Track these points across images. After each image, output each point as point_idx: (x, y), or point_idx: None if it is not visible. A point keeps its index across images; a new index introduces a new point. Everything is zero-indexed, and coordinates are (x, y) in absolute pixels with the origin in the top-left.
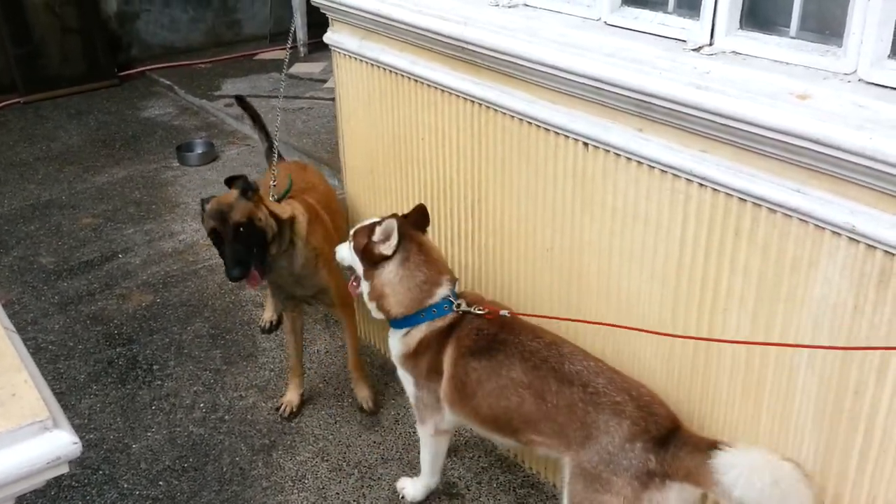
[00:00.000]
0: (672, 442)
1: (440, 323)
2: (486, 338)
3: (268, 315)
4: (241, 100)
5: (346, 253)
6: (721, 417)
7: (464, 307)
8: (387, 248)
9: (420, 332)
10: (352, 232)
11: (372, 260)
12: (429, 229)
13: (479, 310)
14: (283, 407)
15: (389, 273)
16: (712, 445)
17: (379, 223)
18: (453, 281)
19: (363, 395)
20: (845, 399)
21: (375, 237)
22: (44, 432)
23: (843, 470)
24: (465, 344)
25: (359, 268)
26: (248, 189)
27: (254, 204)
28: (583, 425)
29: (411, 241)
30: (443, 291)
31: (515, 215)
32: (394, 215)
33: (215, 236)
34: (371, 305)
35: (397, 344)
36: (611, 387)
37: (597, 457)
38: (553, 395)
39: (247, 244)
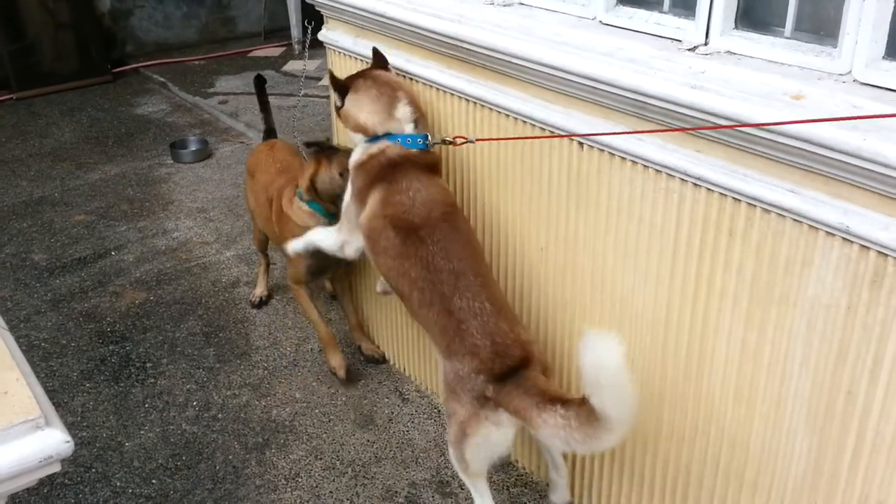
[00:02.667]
0: (511, 379)
1: (390, 153)
2: (410, 222)
3: (259, 290)
4: (259, 81)
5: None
6: (714, 419)
7: (435, 140)
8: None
9: (372, 151)
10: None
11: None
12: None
13: (447, 138)
14: (339, 371)
15: (350, 103)
16: (539, 392)
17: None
18: (413, 107)
19: (368, 346)
20: (838, 400)
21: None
22: (36, 431)
23: (835, 470)
24: (389, 206)
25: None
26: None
27: None
28: (448, 347)
29: (363, 77)
30: (404, 110)
31: (509, 214)
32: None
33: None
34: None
35: (357, 152)
36: (480, 329)
37: (452, 374)
38: (434, 312)
39: None
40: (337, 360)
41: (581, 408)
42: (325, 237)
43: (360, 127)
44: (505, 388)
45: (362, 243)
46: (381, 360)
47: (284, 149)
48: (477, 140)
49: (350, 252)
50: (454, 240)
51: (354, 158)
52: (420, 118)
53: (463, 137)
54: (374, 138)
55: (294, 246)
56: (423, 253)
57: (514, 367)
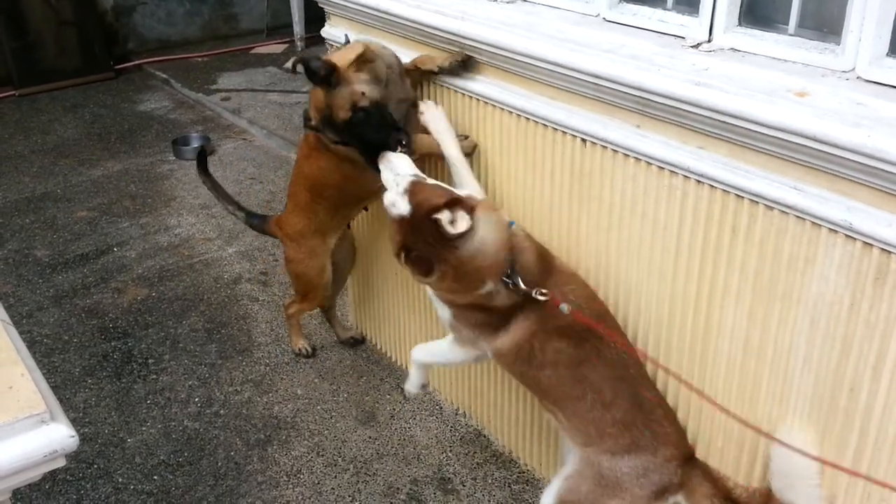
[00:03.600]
0: (689, 464)
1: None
2: (581, 331)
3: (302, 342)
4: (202, 167)
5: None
6: (716, 414)
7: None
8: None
9: None
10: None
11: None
12: None
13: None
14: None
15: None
16: (714, 480)
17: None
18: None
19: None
20: (840, 397)
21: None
22: (41, 425)
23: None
24: (550, 321)
25: None
26: None
27: None
28: (632, 442)
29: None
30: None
31: (513, 211)
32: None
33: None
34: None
35: None
36: (664, 416)
37: (628, 468)
38: (620, 411)
39: None
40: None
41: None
42: (444, 353)
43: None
44: (689, 470)
45: (491, 354)
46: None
47: None
48: (570, 311)
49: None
50: (620, 331)
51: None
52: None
53: (556, 300)
54: None
55: (410, 387)
56: (601, 353)
57: (693, 451)
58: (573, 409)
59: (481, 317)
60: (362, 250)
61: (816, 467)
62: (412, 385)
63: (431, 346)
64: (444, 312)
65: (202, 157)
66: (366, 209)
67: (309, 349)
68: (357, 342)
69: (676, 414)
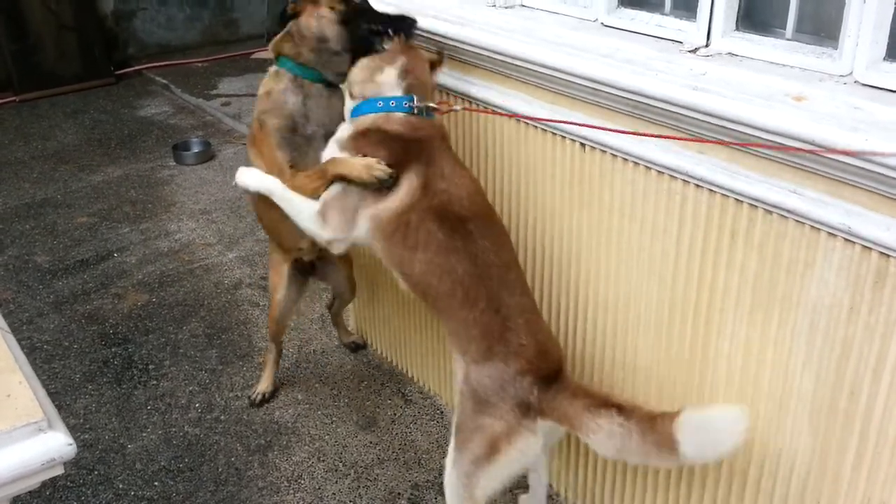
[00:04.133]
0: (555, 383)
1: (397, 124)
2: (457, 215)
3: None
4: None
5: None
6: None
7: (420, 105)
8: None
9: (369, 120)
10: None
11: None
12: None
13: (432, 104)
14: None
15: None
16: (586, 394)
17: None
18: (409, 74)
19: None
20: (840, 400)
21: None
22: (38, 433)
23: (838, 471)
24: (433, 197)
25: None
26: None
27: None
28: (488, 349)
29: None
30: (390, 72)
31: (512, 215)
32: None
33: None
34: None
35: (347, 127)
36: (525, 327)
37: (488, 379)
38: (479, 311)
39: None
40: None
41: (652, 423)
42: (303, 212)
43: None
44: (549, 392)
45: (361, 239)
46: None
47: None
48: (463, 109)
49: (338, 250)
50: (499, 231)
51: (347, 132)
52: (416, 86)
53: (447, 104)
54: (362, 104)
55: (245, 178)
56: (472, 247)
57: (557, 370)
58: (447, 308)
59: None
60: (362, 252)
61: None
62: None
63: (296, 199)
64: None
65: None
66: None
67: (266, 395)
68: (358, 347)
69: (547, 330)
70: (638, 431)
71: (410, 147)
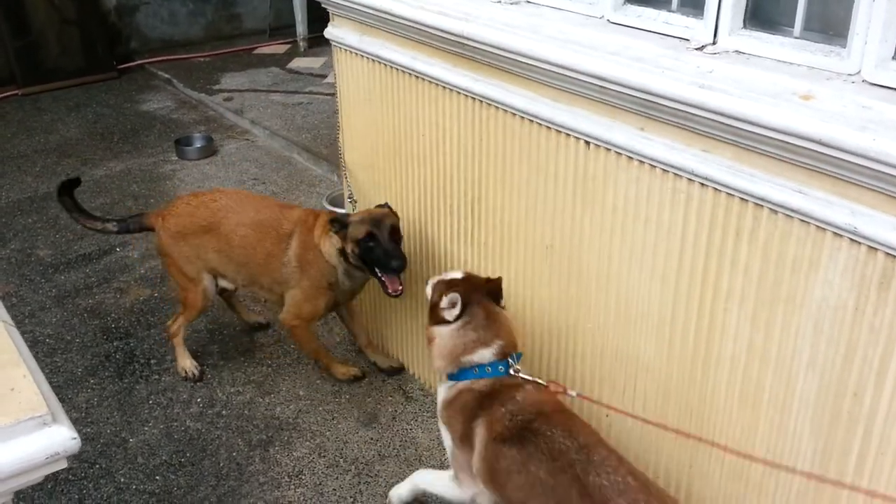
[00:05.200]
0: None
1: (481, 385)
2: (520, 423)
3: (189, 363)
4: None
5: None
6: (719, 417)
7: (522, 373)
8: (449, 315)
9: (458, 388)
10: (435, 281)
11: (436, 319)
12: (502, 301)
13: (540, 380)
14: (356, 371)
15: (445, 332)
16: None
17: (452, 287)
18: (507, 349)
19: (384, 360)
20: (844, 401)
21: (442, 303)
22: (42, 427)
23: (840, 472)
24: (496, 425)
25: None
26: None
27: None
28: None
29: (478, 307)
30: (486, 353)
31: (515, 213)
32: (466, 276)
33: (368, 240)
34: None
35: (442, 391)
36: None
37: None
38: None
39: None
40: (347, 369)
41: None
42: (445, 488)
43: (434, 360)
44: None
45: (482, 486)
46: (399, 369)
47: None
48: (578, 396)
49: (482, 501)
50: (572, 418)
51: (442, 397)
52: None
53: (559, 385)
54: (458, 376)
55: (398, 492)
56: (542, 442)
57: None
58: None
59: (460, 428)
60: None
61: None
62: (396, 496)
63: (435, 476)
64: (447, 441)
65: (66, 187)
66: None
67: (196, 372)
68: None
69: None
70: None
71: (484, 402)
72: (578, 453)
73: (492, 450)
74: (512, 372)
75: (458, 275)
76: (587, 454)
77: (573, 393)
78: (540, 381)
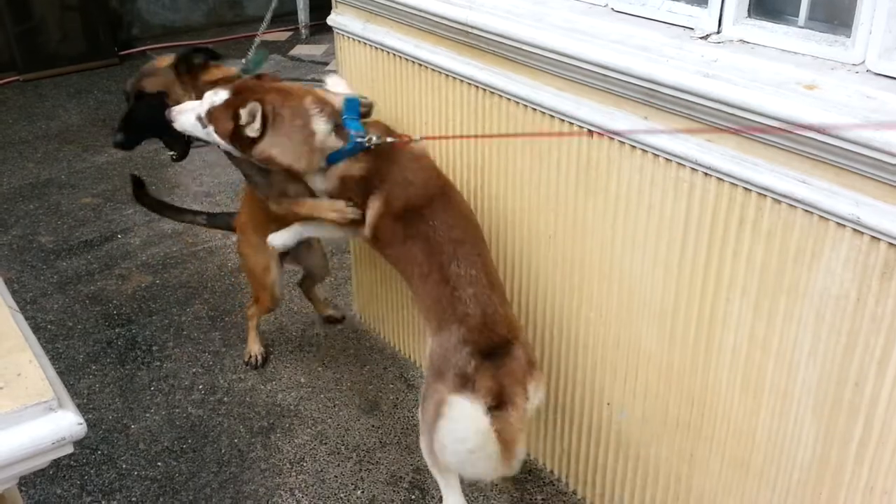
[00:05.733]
0: (495, 356)
1: (357, 164)
2: (413, 206)
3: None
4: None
5: (190, 125)
6: (720, 406)
7: (374, 140)
8: (253, 131)
9: (339, 169)
10: (205, 111)
11: (243, 143)
12: None
13: (390, 139)
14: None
15: (266, 146)
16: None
17: (239, 101)
18: (328, 110)
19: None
20: (845, 391)
21: (242, 120)
22: (48, 413)
23: (841, 460)
24: (393, 203)
25: (222, 146)
26: (188, 59)
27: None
28: (440, 319)
29: (276, 106)
30: (321, 126)
31: (518, 201)
32: (256, 77)
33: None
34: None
35: (321, 182)
36: (472, 299)
37: (439, 348)
38: (433, 284)
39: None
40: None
41: None
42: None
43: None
44: (489, 361)
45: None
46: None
47: None
48: (422, 138)
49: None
50: (452, 212)
51: (324, 187)
52: (332, 115)
53: (408, 136)
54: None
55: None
56: (424, 229)
57: (498, 346)
58: (414, 289)
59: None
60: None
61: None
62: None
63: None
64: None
65: (138, 189)
66: None
67: (259, 358)
68: (335, 320)
69: (498, 304)
70: None
71: (372, 178)
72: (449, 245)
73: (384, 222)
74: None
75: (226, 93)
76: (454, 247)
77: (419, 137)
78: (390, 139)
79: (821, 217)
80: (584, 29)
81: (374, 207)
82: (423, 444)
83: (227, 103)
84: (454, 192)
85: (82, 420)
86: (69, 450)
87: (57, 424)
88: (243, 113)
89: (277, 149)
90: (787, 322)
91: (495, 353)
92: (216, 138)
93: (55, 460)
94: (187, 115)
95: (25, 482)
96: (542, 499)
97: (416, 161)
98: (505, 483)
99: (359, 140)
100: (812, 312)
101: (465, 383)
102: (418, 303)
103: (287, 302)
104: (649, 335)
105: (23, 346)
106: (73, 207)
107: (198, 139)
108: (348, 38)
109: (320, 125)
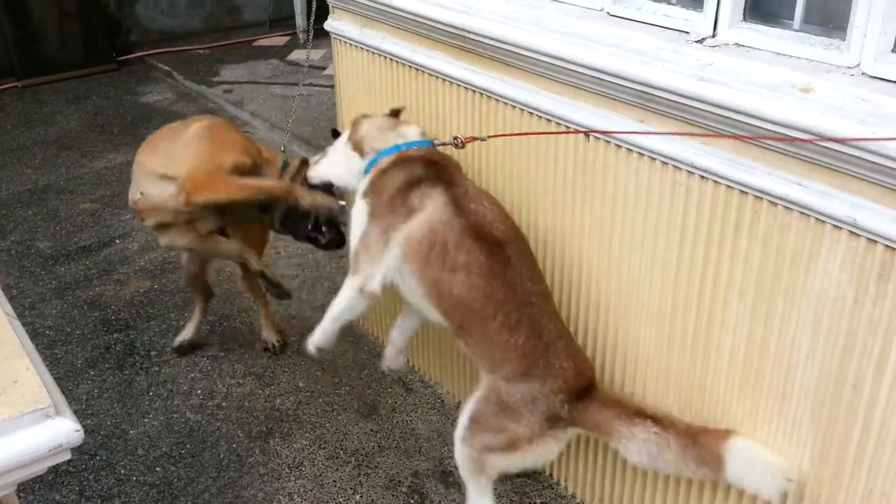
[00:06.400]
0: (585, 397)
1: (419, 156)
2: (496, 238)
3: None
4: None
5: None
6: (719, 408)
7: (438, 141)
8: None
9: (392, 156)
10: (348, 136)
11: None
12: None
13: (456, 139)
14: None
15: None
16: (617, 404)
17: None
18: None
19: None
20: (843, 392)
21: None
22: (46, 419)
23: (840, 462)
24: (471, 216)
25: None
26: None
27: None
28: (527, 370)
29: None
30: (413, 131)
31: (516, 205)
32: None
33: None
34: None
35: (364, 180)
36: (564, 351)
37: (520, 395)
38: (522, 336)
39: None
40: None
41: (693, 438)
42: (341, 297)
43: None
44: (580, 404)
45: (392, 267)
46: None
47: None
48: (489, 137)
49: (373, 288)
50: (533, 259)
51: (369, 178)
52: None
53: (472, 138)
54: (381, 153)
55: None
56: (512, 273)
57: (589, 386)
58: (482, 331)
59: (392, 193)
60: None
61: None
62: (312, 342)
63: (334, 304)
64: (356, 226)
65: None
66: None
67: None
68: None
69: (580, 350)
70: (677, 443)
71: (429, 168)
72: (538, 298)
73: (453, 233)
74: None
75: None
76: (543, 302)
77: (485, 136)
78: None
79: (817, 219)
80: (580, 33)
81: (433, 205)
82: (468, 453)
83: (354, 122)
84: (526, 240)
85: (79, 427)
86: (66, 456)
87: (54, 431)
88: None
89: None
90: (785, 324)
91: (582, 394)
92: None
93: (54, 466)
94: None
95: (24, 489)
96: (542, 502)
97: (486, 194)
98: (505, 487)
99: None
100: (809, 315)
101: (555, 423)
102: (485, 346)
103: (285, 307)
104: (647, 337)
105: (20, 353)
106: (72, 213)
107: (329, 185)
108: (345, 42)
109: (411, 130)
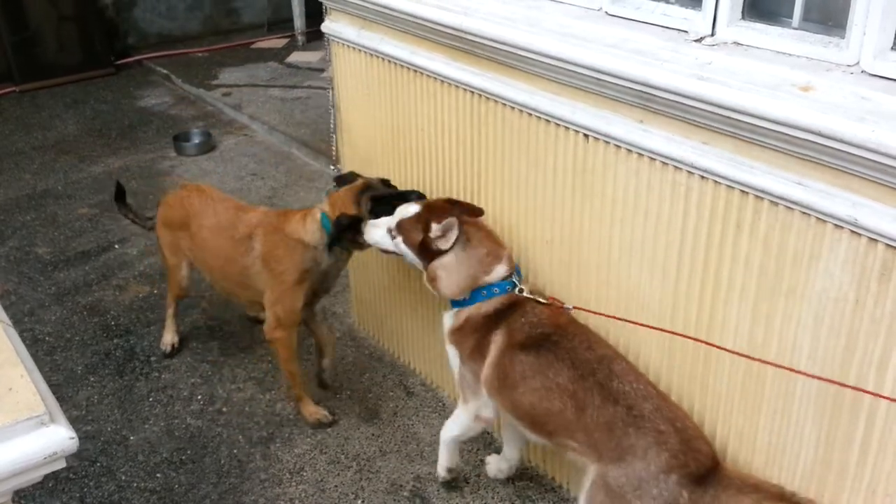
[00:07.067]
0: (711, 482)
1: (492, 303)
2: (539, 335)
3: (169, 338)
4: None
5: (379, 237)
6: (721, 411)
7: (525, 292)
8: (445, 244)
9: (466, 313)
10: (396, 223)
11: (429, 254)
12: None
13: (541, 298)
14: (321, 415)
15: (446, 262)
16: (755, 489)
17: (432, 215)
18: (511, 260)
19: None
20: (846, 393)
21: (433, 233)
22: (40, 427)
23: (843, 463)
24: (516, 334)
25: (407, 255)
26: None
27: None
28: (619, 445)
29: (467, 228)
30: (500, 270)
31: (515, 207)
32: (448, 201)
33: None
34: (427, 285)
35: (449, 319)
36: (656, 414)
37: (625, 478)
38: (595, 409)
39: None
40: (317, 409)
41: None
42: (456, 422)
43: (443, 293)
44: (704, 491)
45: (486, 395)
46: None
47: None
48: (574, 308)
49: (487, 414)
50: (588, 331)
51: (450, 325)
52: (510, 263)
53: (559, 302)
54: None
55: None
56: (563, 353)
57: (708, 468)
58: (564, 424)
59: (472, 343)
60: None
61: None
62: (442, 468)
63: (450, 421)
64: (454, 363)
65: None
66: None
67: (170, 348)
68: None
69: (687, 418)
70: None
71: (500, 315)
72: (599, 362)
73: (509, 356)
74: (518, 290)
75: (416, 207)
76: (608, 364)
77: (570, 307)
78: (541, 299)
79: (818, 219)
80: (578, 33)
81: (493, 349)
82: None
83: (417, 216)
84: (574, 318)
85: (74, 434)
86: (61, 464)
87: (48, 439)
88: (436, 227)
89: (448, 270)
90: (786, 324)
91: (706, 477)
92: (403, 248)
93: (54, 473)
94: (378, 230)
95: (24, 495)
96: None
97: (532, 304)
98: (507, 489)
99: (509, 288)
100: (811, 315)
101: None
102: (577, 439)
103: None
104: (648, 339)
105: (14, 361)
106: (70, 218)
107: (385, 251)
108: (343, 44)
109: (499, 269)
